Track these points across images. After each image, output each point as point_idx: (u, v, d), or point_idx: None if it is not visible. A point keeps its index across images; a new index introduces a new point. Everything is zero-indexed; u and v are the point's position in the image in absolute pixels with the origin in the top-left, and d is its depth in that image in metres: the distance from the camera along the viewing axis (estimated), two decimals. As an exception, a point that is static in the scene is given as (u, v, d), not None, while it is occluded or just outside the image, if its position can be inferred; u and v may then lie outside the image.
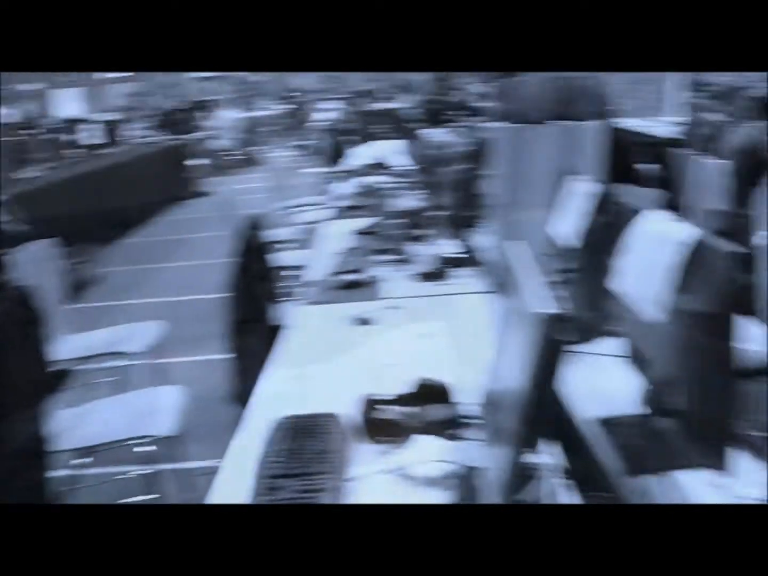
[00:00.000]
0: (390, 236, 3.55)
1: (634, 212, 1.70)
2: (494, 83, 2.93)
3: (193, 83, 23.76)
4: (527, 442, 1.20)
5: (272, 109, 19.16)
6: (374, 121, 7.95)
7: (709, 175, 4.46)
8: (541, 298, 1.19)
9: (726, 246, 1.32)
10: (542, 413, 1.18)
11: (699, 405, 1.49)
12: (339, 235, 4.03)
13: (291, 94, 20.29)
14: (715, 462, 1.41)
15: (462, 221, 3.15)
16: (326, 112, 11.84)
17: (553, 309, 1.13)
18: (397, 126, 7.13)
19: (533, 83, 2.77)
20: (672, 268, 1.47)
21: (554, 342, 1.12)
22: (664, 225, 1.55)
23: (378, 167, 6.11)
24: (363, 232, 3.92)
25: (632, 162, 4.76)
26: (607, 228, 1.92)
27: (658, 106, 11.62)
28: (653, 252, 1.55)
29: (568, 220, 2.20)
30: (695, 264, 1.42)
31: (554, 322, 1.12)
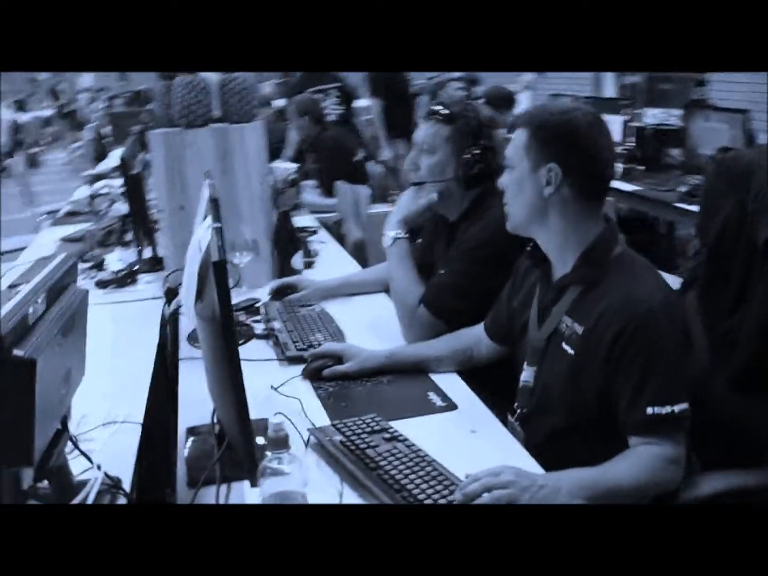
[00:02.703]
0: (92, 242, 3.48)
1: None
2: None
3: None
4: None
5: (48, 108, 18.34)
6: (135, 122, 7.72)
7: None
8: None
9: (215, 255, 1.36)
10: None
11: (223, 412, 1.52)
12: (48, 244, 3.92)
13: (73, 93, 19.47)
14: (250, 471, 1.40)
15: (142, 227, 3.11)
16: (96, 113, 11.44)
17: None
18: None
19: (183, 85, 2.74)
20: (194, 276, 1.50)
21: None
22: (201, 233, 1.57)
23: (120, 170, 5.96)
24: (69, 239, 3.83)
25: (352, 159, 4.87)
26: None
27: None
28: (191, 262, 1.58)
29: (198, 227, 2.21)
30: (203, 272, 1.46)
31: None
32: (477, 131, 2.25)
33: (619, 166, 4.69)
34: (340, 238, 4.17)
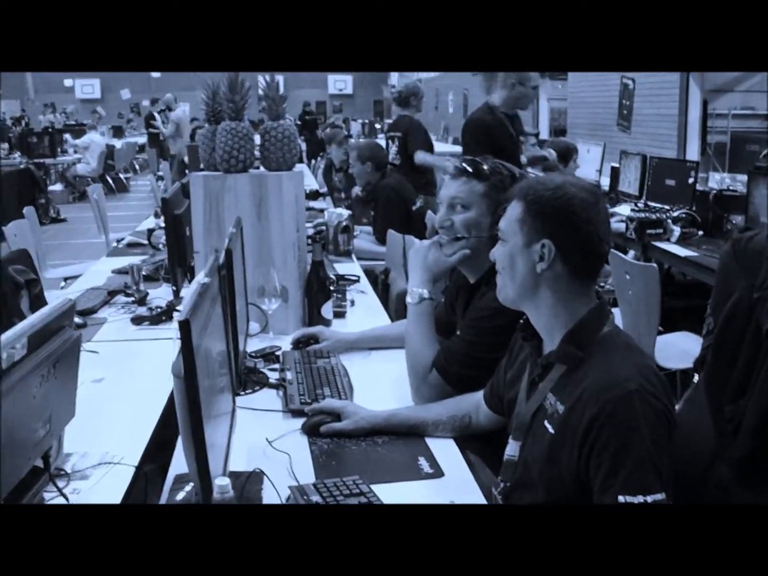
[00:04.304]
0: (136, 276, 3.57)
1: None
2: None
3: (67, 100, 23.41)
4: None
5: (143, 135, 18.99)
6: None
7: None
8: None
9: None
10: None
11: (189, 465, 1.54)
12: (101, 273, 4.07)
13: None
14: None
15: (181, 266, 3.20)
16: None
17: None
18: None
19: (227, 130, 2.83)
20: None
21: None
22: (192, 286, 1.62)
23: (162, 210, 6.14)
24: (119, 271, 3.95)
25: (409, 209, 4.91)
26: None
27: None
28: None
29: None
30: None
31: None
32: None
33: (677, 230, 4.62)
34: (386, 287, 4.20)
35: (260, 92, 2.97)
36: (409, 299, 2.39)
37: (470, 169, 2.26)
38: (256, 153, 2.97)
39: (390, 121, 20.07)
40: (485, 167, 2.26)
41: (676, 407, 2.18)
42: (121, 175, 15.93)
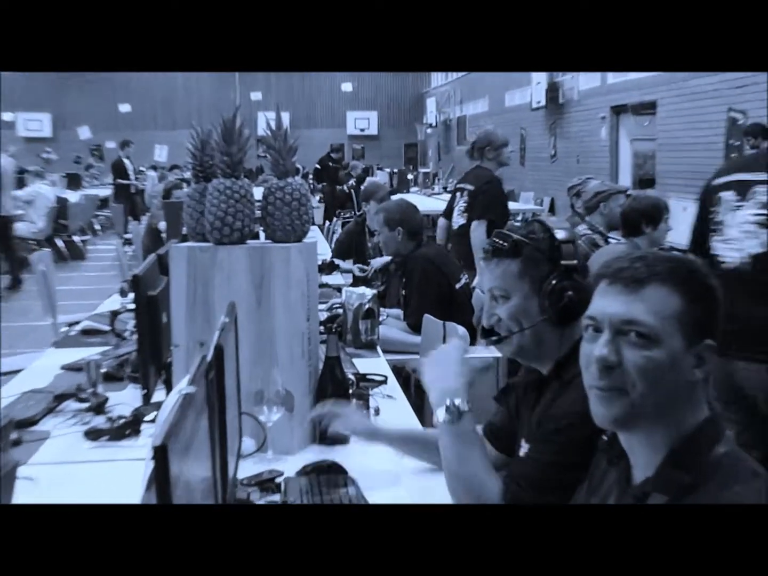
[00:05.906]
0: (93, 376, 3.56)
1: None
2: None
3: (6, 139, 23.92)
4: None
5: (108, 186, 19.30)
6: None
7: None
8: None
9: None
10: None
11: None
12: (46, 369, 4.06)
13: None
14: None
15: (152, 364, 3.21)
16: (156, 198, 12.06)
17: None
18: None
19: (220, 190, 2.89)
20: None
21: None
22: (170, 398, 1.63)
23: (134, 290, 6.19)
24: (71, 368, 3.95)
25: (451, 287, 4.97)
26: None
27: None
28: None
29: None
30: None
31: None
32: (552, 253, 2.29)
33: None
34: (421, 390, 4.18)
35: (259, 132, 3.01)
36: (441, 418, 2.29)
37: (497, 248, 2.32)
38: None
39: (427, 169, 20.09)
40: (515, 237, 2.30)
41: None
42: (76, 238, 16.15)
